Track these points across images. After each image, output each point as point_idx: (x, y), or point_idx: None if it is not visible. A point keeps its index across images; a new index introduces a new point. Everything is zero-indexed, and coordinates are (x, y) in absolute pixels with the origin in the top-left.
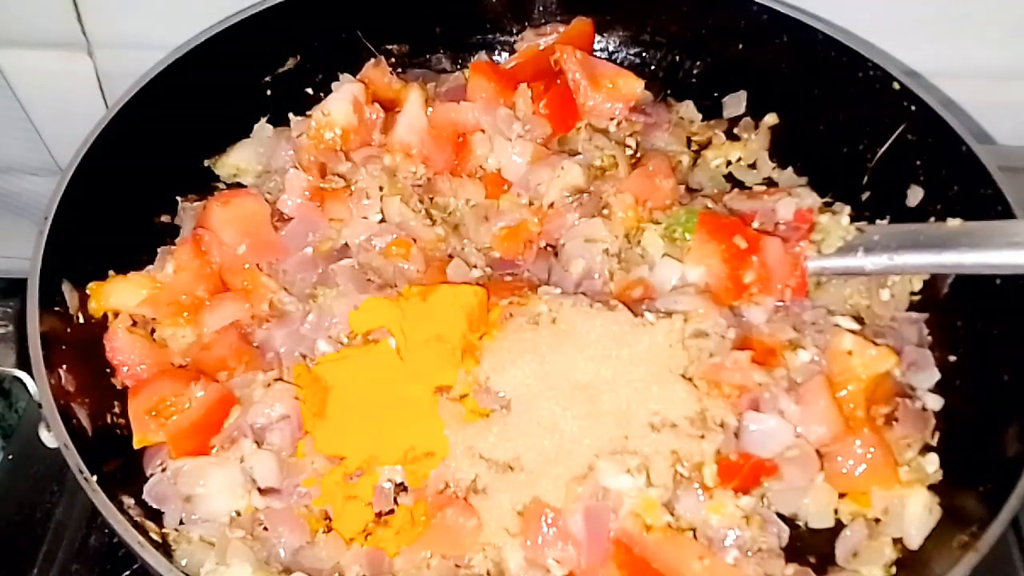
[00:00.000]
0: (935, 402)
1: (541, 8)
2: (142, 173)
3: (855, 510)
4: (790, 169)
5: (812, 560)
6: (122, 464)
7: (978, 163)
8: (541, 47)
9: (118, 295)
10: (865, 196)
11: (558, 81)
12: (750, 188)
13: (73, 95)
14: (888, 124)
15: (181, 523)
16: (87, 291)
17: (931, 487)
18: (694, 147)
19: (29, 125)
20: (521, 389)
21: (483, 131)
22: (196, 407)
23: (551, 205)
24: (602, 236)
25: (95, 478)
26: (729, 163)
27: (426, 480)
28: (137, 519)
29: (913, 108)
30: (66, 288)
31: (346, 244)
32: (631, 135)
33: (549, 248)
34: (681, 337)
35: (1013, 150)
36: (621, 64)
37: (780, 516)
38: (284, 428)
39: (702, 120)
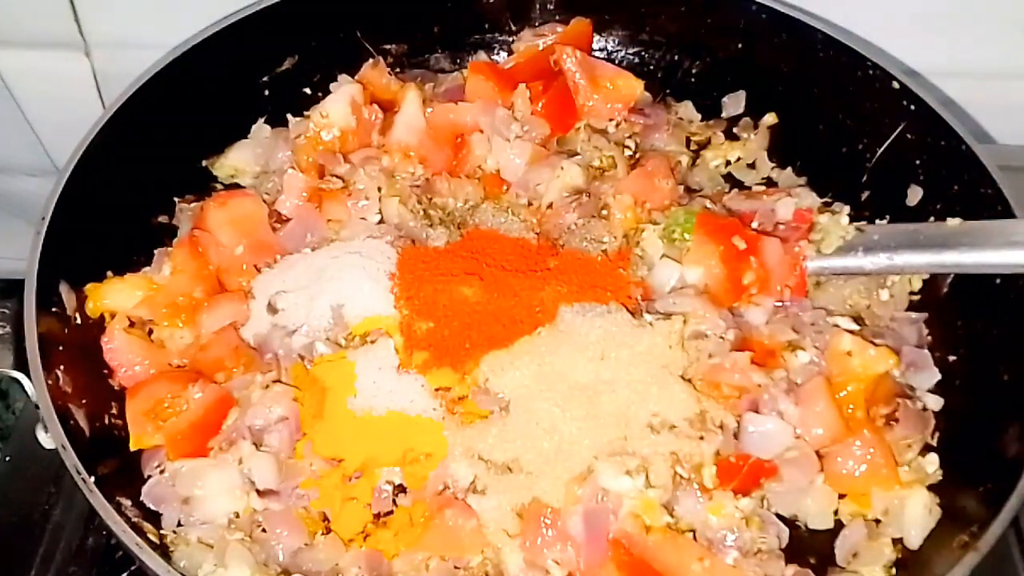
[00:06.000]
0: (935, 402)
1: (540, 8)
2: (139, 174)
3: (855, 511)
4: (789, 169)
5: (812, 561)
6: (120, 465)
7: (978, 162)
8: (540, 47)
9: (115, 296)
10: (865, 196)
11: (557, 81)
12: (749, 188)
13: (70, 95)
14: (888, 123)
15: (179, 525)
16: (84, 292)
17: (931, 487)
18: (693, 147)
19: (26, 126)
20: (520, 390)
21: (481, 131)
22: (194, 408)
23: (550, 205)
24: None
25: (92, 479)
26: (728, 163)
27: (425, 481)
28: (135, 520)
29: (913, 107)
30: (63, 289)
31: None
32: (630, 136)
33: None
34: (680, 338)
35: (1013, 149)
36: (620, 64)
37: (780, 517)
38: (282, 430)
39: (701, 120)
